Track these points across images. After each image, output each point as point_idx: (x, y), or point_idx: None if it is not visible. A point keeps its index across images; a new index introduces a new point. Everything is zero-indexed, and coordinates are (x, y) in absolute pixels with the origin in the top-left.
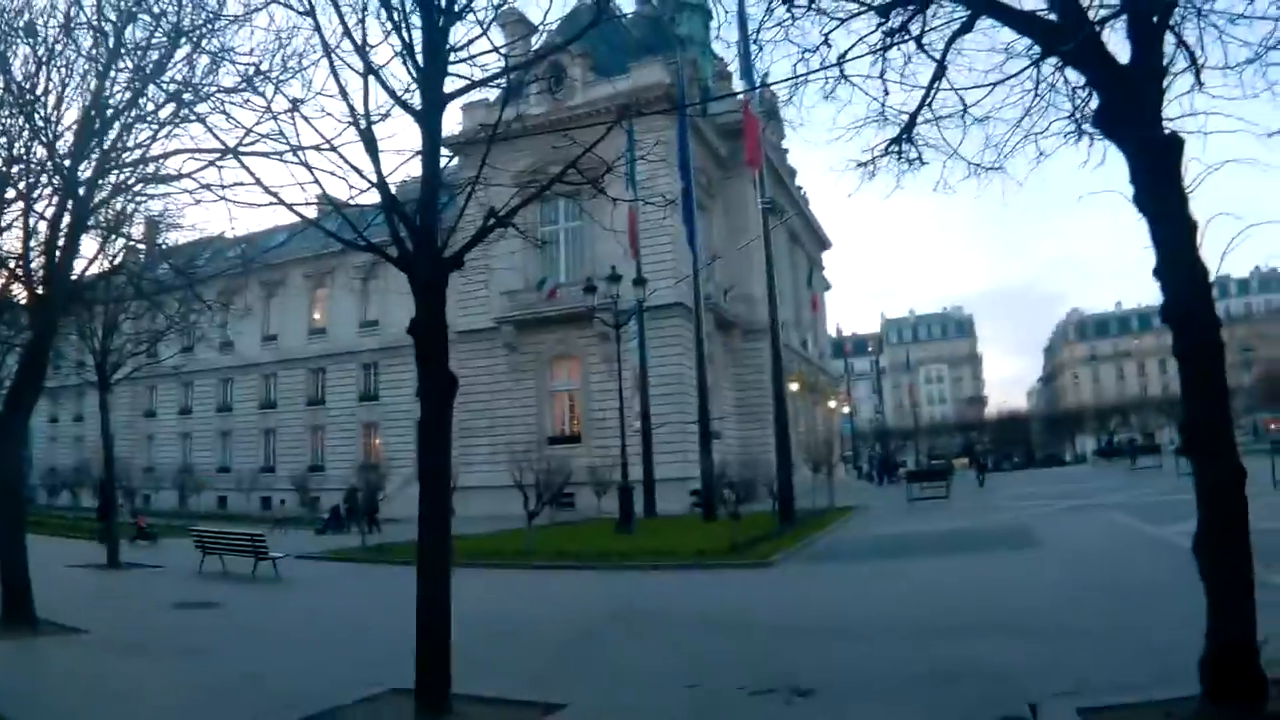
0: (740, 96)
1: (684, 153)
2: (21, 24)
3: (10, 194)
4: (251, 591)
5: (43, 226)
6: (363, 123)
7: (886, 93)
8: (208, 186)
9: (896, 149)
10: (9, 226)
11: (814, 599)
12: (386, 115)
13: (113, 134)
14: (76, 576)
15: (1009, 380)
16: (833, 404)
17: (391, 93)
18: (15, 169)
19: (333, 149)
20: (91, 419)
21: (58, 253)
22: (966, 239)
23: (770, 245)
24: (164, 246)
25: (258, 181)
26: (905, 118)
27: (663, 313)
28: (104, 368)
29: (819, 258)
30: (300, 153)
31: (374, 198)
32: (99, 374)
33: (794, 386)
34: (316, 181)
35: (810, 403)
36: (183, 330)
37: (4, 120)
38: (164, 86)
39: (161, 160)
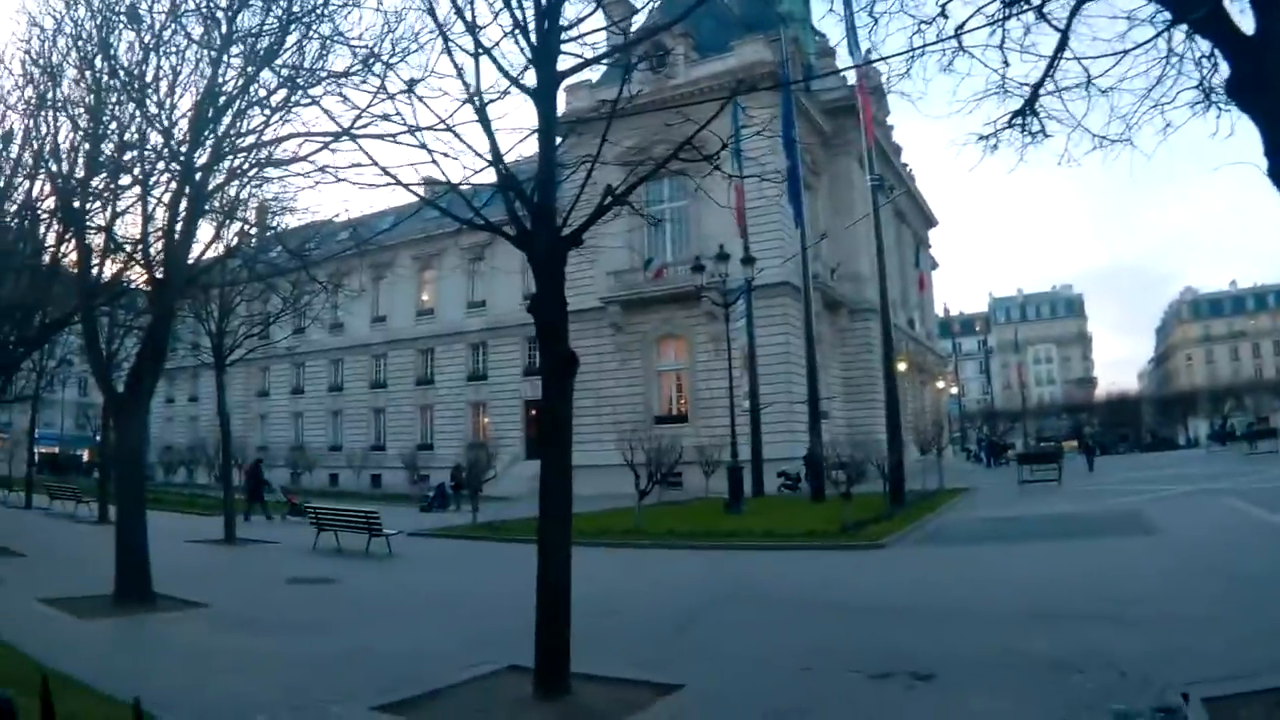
0: (846, 73)
1: (789, 130)
2: (124, 8)
3: (126, 180)
4: (365, 568)
5: (160, 212)
6: (477, 101)
7: (1006, 64)
8: (323, 169)
9: (1019, 121)
10: (125, 212)
11: (926, 582)
12: (504, 94)
13: (227, 120)
14: (194, 552)
15: (1119, 361)
16: (940, 384)
17: (505, 72)
18: (129, 155)
19: (449, 129)
20: (206, 399)
21: (175, 238)
22: (1075, 217)
23: (880, 223)
24: (278, 230)
25: (374, 162)
26: (1026, 89)
27: (769, 292)
28: (220, 350)
29: (925, 235)
30: (417, 133)
31: (487, 177)
32: (215, 356)
33: (902, 366)
34: (434, 161)
35: (918, 383)
36: (296, 312)
37: (113, 107)
38: (276, 71)
39: (274, 145)
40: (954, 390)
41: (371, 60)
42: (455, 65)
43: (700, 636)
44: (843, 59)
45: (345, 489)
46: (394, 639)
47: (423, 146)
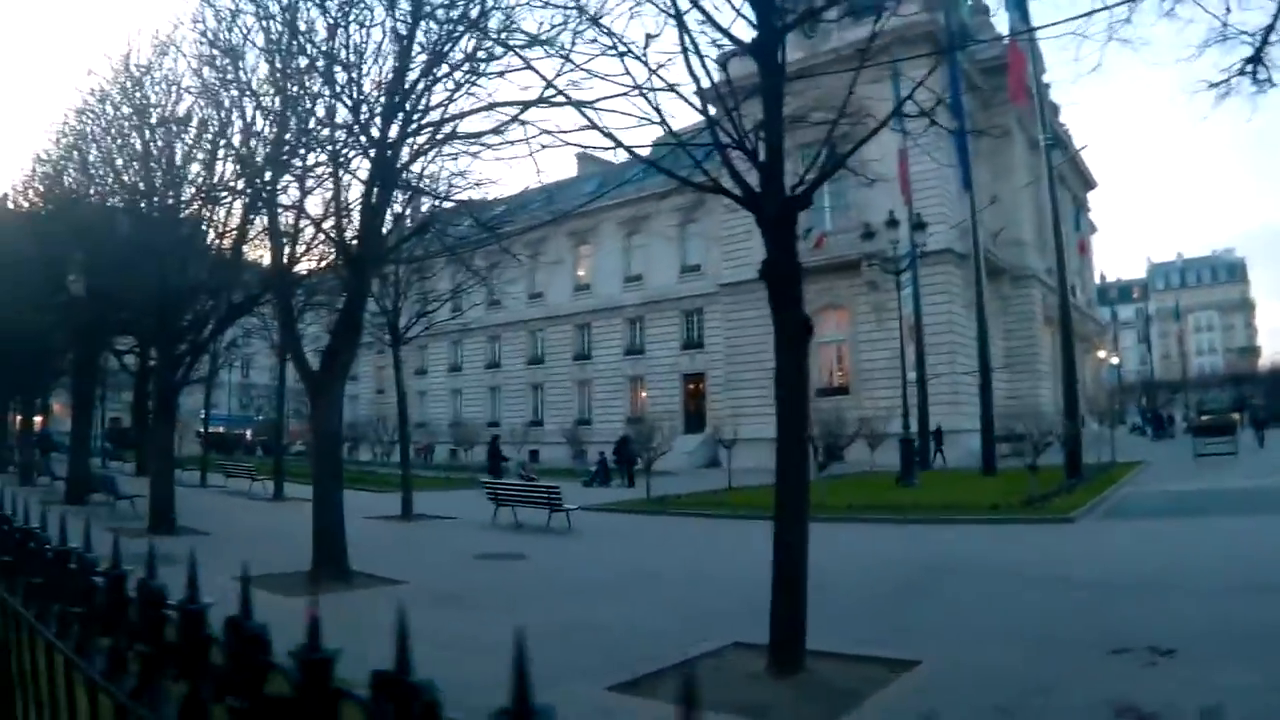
0: (1005, 34)
1: (955, 93)
2: None
3: (313, 158)
4: (550, 543)
5: (352, 188)
6: (694, 60)
7: (1228, 10)
8: (526, 139)
9: (1250, 70)
10: (313, 190)
11: (1125, 555)
12: (730, 55)
13: (416, 94)
14: (376, 528)
15: None
16: (1101, 354)
17: (723, 29)
18: (320, 131)
19: (670, 89)
20: (365, 379)
21: (367, 213)
22: (1236, 176)
23: (1054, 187)
24: (470, 202)
25: (594, 125)
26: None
27: (932, 260)
28: (396, 327)
29: (1084, 198)
30: (644, 95)
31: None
32: (391, 333)
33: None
34: (663, 122)
35: (1080, 353)
36: (483, 285)
37: (301, 84)
38: (478, 34)
39: (463, 117)
40: (1114, 360)
41: (577, 20)
42: (679, 17)
43: (920, 612)
44: (999, 20)
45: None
46: (603, 616)
47: (657, 110)
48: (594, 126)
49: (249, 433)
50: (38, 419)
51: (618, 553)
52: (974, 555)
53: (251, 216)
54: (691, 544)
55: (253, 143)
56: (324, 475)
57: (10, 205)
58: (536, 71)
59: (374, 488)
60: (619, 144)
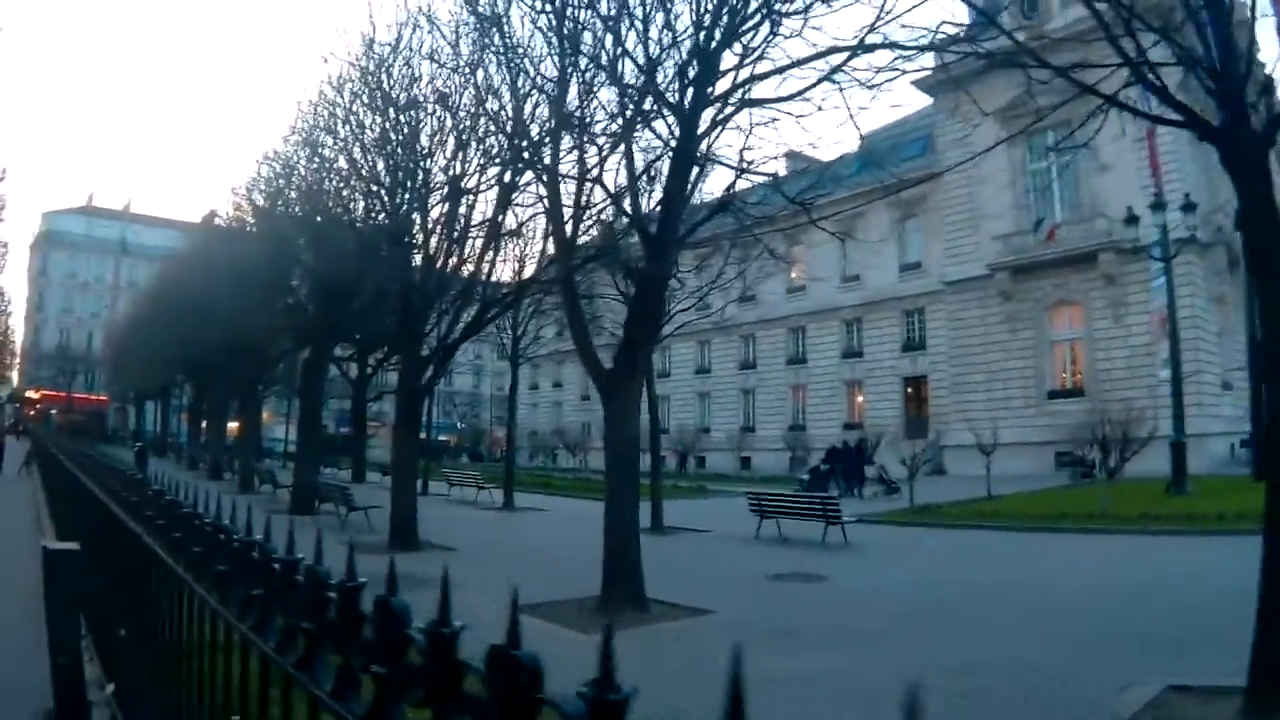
0: None
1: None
2: None
3: (598, 128)
4: (838, 560)
5: (640, 164)
6: None
7: None
8: (842, 89)
9: None
10: (601, 160)
11: None
12: None
13: (720, 63)
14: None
15: None
16: None
17: None
18: (625, 97)
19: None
20: (569, 385)
21: (675, 187)
22: None
23: None
24: (775, 177)
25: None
26: None
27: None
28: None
29: None
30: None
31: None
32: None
33: None
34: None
35: None
36: (783, 269)
37: (574, 45)
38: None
39: (749, 84)
40: None
41: None
42: None
43: None
44: None
45: (715, 471)
46: (976, 652)
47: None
48: (981, 55)
49: (453, 440)
50: (234, 425)
51: (922, 570)
52: None
53: (506, 205)
54: (995, 559)
55: (526, 113)
56: (619, 487)
57: (233, 208)
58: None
59: (595, 495)
60: (1040, 63)
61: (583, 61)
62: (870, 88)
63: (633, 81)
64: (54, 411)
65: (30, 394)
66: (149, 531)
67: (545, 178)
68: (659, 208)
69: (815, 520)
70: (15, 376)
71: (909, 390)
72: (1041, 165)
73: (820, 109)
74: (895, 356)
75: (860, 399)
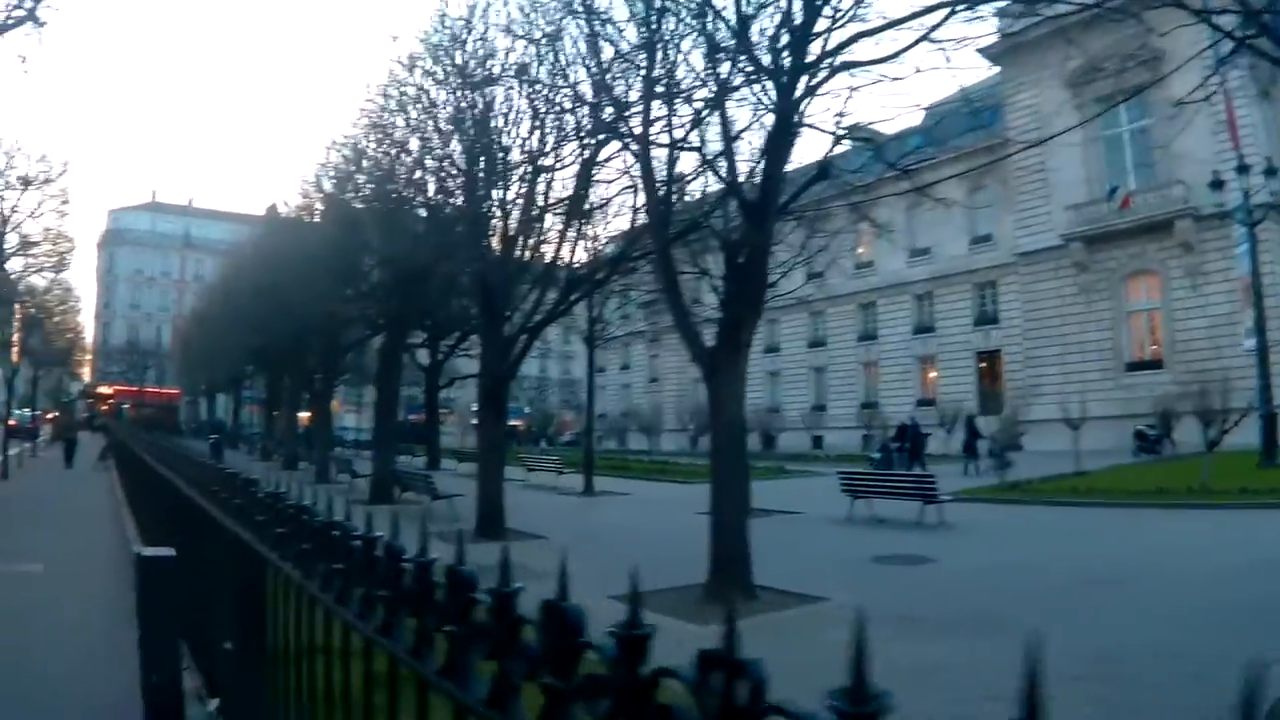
0: None
1: None
2: None
3: (689, 94)
4: (939, 540)
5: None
6: None
7: None
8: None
9: None
10: (699, 126)
11: None
12: None
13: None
14: (705, 521)
15: None
16: None
17: None
18: (718, 56)
19: None
20: (637, 368)
21: (774, 152)
22: None
23: None
24: (873, 141)
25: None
26: None
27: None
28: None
29: None
30: None
31: None
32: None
33: None
34: None
35: None
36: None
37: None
38: None
39: (845, 47)
40: None
41: None
42: None
43: None
44: None
45: (787, 451)
46: (1106, 635)
47: None
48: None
49: (523, 424)
50: (304, 415)
51: (1027, 549)
52: None
53: (588, 181)
54: (1100, 537)
55: (610, 78)
56: (726, 470)
57: (300, 196)
58: None
59: (676, 479)
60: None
61: (671, 22)
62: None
63: (725, 43)
64: (125, 406)
65: (102, 389)
66: (251, 530)
67: (636, 146)
68: (757, 176)
69: (911, 500)
70: (87, 373)
71: (982, 365)
72: (1113, 131)
73: (918, 70)
74: (968, 331)
75: (933, 375)
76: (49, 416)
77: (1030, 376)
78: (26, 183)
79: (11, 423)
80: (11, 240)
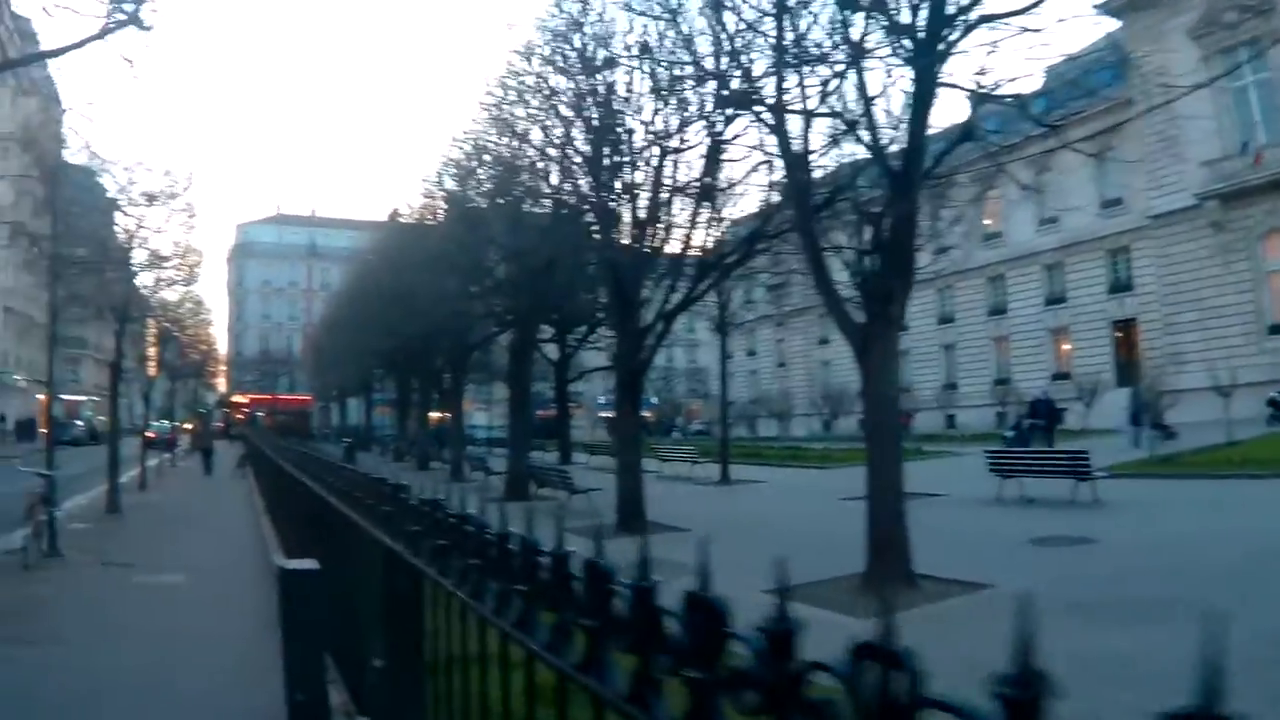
0: None
1: None
2: None
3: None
4: (1096, 519)
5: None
6: None
7: None
8: None
9: None
10: (822, 103)
11: None
12: None
13: None
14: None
15: None
16: None
17: None
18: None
19: None
20: (764, 353)
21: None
22: None
23: None
24: (1019, 98)
25: None
26: None
27: None
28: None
29: None
30: None
31: None
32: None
33: None
34: None
35: None
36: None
37: None
38: None
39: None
40: None
41: None
42: None
43: None
44: None
45: (919, 431)
46: None
47: None
48: None
49: (652, 415)
50: (436, 415)
51: (1190, 526)
52: None
53: (717, 159)
54: (1265, 512)
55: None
56: (880, 453)
57: (422, 196)
58: None
59: (810, 464)
60: None
61: None
62: None
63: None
64: (260, 414)
65: (237, 398)
66: (404, 541)
67: (769, 116)
68: (896, 143)
69: (1061, 478)
70: (222, 383)
71: (1118, 335)
72: (1238, 84)
73: (1061, 20)
74: (1101, 300)
75: (1066, 347)
76: (186, 427)
77: (1169, 344)
78: (151, 198)
79: (150, 434)
80: (141, 256)
